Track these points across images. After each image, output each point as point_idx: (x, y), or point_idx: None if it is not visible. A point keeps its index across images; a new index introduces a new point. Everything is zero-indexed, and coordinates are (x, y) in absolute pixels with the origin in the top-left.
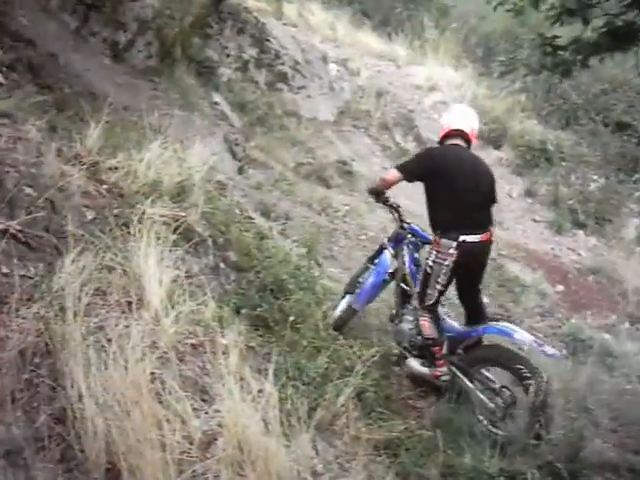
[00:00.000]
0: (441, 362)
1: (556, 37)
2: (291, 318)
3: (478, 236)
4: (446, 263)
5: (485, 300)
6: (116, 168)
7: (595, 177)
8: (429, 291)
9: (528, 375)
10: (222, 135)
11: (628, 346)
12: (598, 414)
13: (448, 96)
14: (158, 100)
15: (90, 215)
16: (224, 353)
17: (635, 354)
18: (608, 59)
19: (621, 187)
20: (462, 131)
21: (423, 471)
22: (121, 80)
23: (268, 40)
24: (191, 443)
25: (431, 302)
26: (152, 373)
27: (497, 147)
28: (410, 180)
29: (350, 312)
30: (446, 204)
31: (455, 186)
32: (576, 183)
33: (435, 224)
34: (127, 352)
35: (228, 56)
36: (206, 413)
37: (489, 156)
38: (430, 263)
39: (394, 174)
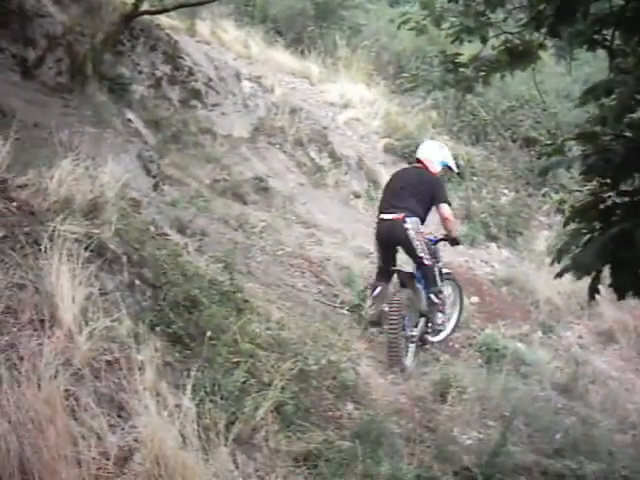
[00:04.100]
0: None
1: (458, 54)
2: (208, 333)
3: (390, 215)
4: (374, 234)
5: None
6: (26, 185)
7: (505, 191)
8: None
9: None
10: (136, 152)
11: (540, 354)
12: (513, 420)
13: (361, 113)
14: (69, 117)
15: (0, 233)
16: (140, 369)
17: (547, 362)
18: (516, 76)
19: (530, 200)
20: (418, 159)
21: None
22: (31, 97)
23: (181, 57)
24: (107, 459)
25: (377, 265)
26: (66, 390)
27: (410, 163)
28: None
29: None
30: (382, 197)
31: (387, 185)
32: (487, 197)
33: None
34: (40, 370)
35: (140, 73)
36: (122, 429)
37: None
38: None
39: None
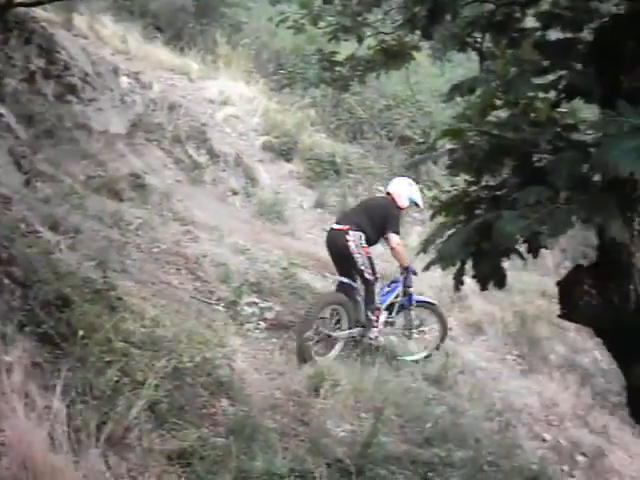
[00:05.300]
0: None
1: (334, 53)
2: (80, 332)
3: (337, 226)
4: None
5: (279, 308)
6: None
7: (381, 188)
8: None
9: None
10: (7, 148)
11: (412, 347)
12: (385, 411)
13: (240, 110)
14: None
15: None
16: (8, 371)
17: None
18: (392, 76)
19: None
20: (388, 192)
21: (216, 478)
22: None
23: (57, 51)
24: None
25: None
26: None
27: (288, 160)
28: None
29: None
30: None
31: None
32: (363, 194)
33: None
34: None
35: (14, 66)
36: None
37: (281, 169)
38: None
39: None
